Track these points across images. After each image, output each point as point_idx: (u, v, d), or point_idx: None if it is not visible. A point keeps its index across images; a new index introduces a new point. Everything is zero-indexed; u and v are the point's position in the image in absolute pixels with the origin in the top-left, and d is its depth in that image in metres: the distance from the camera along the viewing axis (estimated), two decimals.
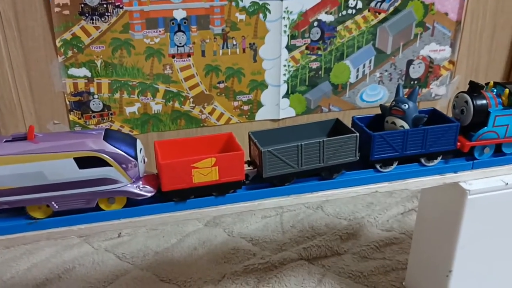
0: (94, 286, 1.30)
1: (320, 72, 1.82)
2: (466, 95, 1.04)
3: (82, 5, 1.49)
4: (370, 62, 1.86)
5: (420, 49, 1.90)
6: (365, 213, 1.62)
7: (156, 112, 1.71)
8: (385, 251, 1.44)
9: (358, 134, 0.96)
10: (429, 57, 1.92)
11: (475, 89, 1.04)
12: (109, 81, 1.62)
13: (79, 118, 1.64)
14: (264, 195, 0.95)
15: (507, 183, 1.05)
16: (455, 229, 1.08)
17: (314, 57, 1.79)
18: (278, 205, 0.96)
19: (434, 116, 1.08)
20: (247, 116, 1.81)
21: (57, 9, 1.48)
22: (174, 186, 0.88)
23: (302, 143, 0.93)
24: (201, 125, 1.77)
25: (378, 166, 1.01)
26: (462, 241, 1.09)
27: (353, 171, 1.01)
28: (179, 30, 1.62)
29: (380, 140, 0.98)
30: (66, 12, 1.50)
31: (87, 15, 1.52)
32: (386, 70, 1.89)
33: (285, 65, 1.77)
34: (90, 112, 1.64)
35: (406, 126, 1.00)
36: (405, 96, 1.02)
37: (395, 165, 1.02)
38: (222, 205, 0.93)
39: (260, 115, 1.82)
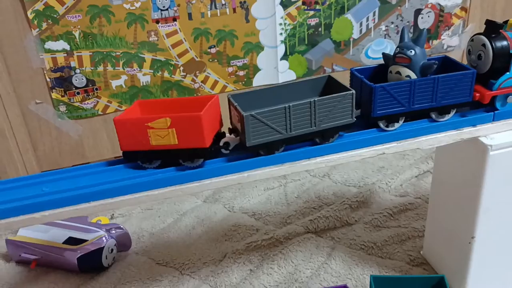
0: (81, 278, 1.20)
1: (320, 29, 1.67)
2: (483, 37, 0.89)
3: None
4: (374, 14, 1.71)
5: None
6: (376, 179, 1.49)
7: (144, 84, 1.58)
8: (399, 218, 1.32)
9: (354, 91, 0.83)
10: (439, 4, 1.75)
11: (493, 29, 0.89)
12: (90, 53, 1.49)
13: (62, 96, 1.52)
14: (253, 165, 0.83)
15: None
16: (477, 190, 0.95)
17: (312, 12, 1.64)
18: (271, 175, 0.84)
19: (446, 64, 0.94)
20: (243, 82, 1.68)
21: None
22: (131, 147, 0.80)
23: (290, 105, 0.80)
24: (195, 95, 1.65)
25: (382, 125, 0.88)
26: (485, 204, 0.96)
27: (354, 132, 0.88)
28: None
29: (383, 93, 0.84)
30: None
31: None
32: (392, 22, 1.74)
33: (281, 24, 1.62)
34: (74, 88, 1.53)
35: (413, 76, 0.86)
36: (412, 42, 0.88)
37: (401, 122, 0.88)
38: (206, 180, 0.82)
39: (257, 80, 1.69)
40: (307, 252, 1.22)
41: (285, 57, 1.68)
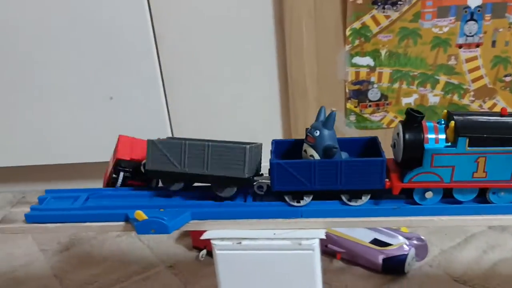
0: (383, 278, 1.29)
1: None
2: (400, 125, 0.81)
3: None
4: None
5: None
6: None
7: (432, 104, 1.65)
8: None
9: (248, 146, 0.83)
10: None
11: (413, 119, 0.80)
12: (391, 71, 1.60)
13: (355, 107, 1.66)
14: None
15: None
16: None
17: None
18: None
19: (371, 147, 0.88)
20: None
21: None
22: None
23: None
24: None
25: (287, 199, 0.85)
26: None
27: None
28: (471, 19, 1.52)
29: (280, 169, 0.82)
30: (360, 1, 1.51)
31: (379, 4, 1.51)
32: None
33: None
34: (367, 101, 1.65)
35: (316, 156, 0.82)
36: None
37: (308, 199, 0.85)
38: None
39: None
40: None
41: None
